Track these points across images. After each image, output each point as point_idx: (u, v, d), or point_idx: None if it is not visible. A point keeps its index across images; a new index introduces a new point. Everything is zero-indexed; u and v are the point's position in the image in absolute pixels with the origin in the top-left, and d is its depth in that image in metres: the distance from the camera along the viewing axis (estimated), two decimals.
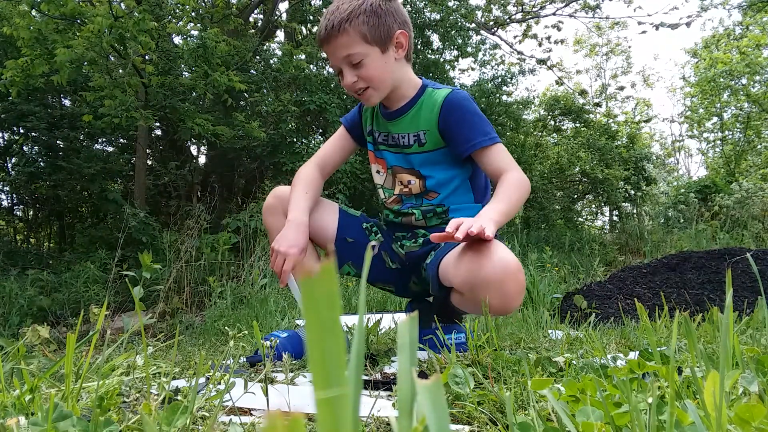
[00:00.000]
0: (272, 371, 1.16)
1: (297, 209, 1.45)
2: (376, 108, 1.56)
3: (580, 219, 10.22)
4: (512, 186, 1.30)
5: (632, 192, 10.08)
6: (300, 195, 1.48)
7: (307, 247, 1.41)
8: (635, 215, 10.32)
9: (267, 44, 7.89)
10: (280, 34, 8.50)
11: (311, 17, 7.42)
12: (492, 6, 9.13)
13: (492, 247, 1.17)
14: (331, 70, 7.62)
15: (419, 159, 1.48)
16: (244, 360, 1.34)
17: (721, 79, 13.08)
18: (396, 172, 1.53)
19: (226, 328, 1.63)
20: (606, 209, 11.05)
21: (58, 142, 7.05)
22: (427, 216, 1.51)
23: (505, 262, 1.13)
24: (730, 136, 14.34)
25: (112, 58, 5.68)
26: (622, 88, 14.94)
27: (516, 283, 1.14)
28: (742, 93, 13.06)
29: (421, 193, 1.50)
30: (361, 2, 1.35)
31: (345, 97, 7.25)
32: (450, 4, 7.81)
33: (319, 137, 7.32)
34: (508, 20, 9.32)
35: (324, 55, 7.46)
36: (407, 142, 1.48)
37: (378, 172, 1.59)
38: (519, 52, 9.54)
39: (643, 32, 13.05)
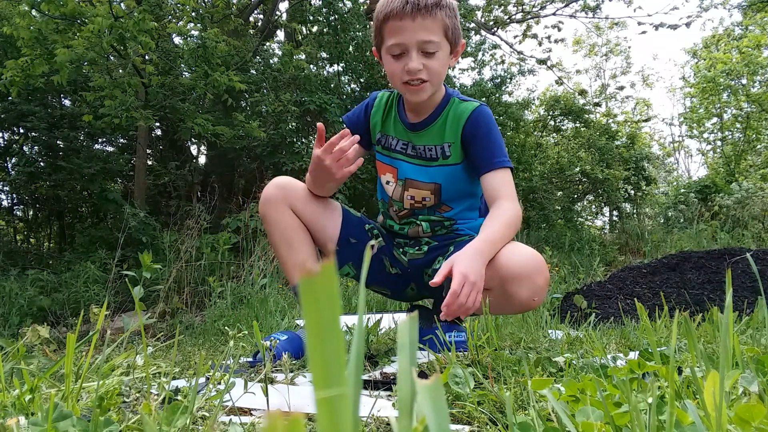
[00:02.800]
0: (272, 371, 1.16)
1: None
2: (393, 113, 1.49)
3: (580, 219, 10.21)
4: (502, 219, 1.29)
5: (632, 192, 10.07)
6: None
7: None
8: (635, 215, 10.32)
9: (267, 44, 7.88)
10: (280, 34, 8.51)
11: (311, 17, 7.42)
12: (492, 6, 9.12)
13: (516, 245, 1.25)
14: (331, 69, 7.62)
15: (443, 172, 1.44)
16: (245, 361, 1.34)
17: (721, 79, 13.07)
18: (409, 186, 1.47)
19: (226, 328, 1.63)
20: (606, 209, 11.04)
21: (58, 142, 7.05)
22: (435, 228, 1.50)
23: (533, 258, 1.22)
24: (730, 136, 14.34)
25: (112, 58, 5.68)
26: (621, 88, 14.90)
27: (544, 277, 1.22)
28: (741, 93, 13.05)
29: (434, 206, 1.48)
30: None
31: (345, 96, 7.24)
32: None
33: None
34: (508, 20, 9.32)
35: (324, 54, 7.50)
36: (434, 154, 1.44)
37: (388, 182, 1.51)
38: (519, 52, 9.54)
39: (643, 32, 13.02)
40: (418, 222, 1.50)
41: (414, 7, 1.26)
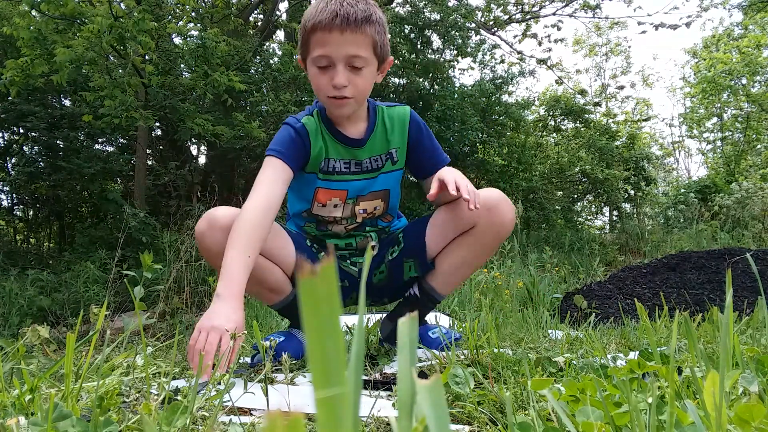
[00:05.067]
0: (272, 371, 1.16)
1: (231, 279, 1.12)
2: (325, 135, 1.38)
3: (580, 219, 10.22)
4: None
5: (632, 192, 10.08)
6: (237, 259, 1.14)
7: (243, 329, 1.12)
8: (635, 215, 10.32)
9: (267, 44, 7.88)
10: (280, 34, 8.51)
11: None
12: (492, 6, 9.13)
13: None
14: None
15: (388, 178, 1.43)
16: (245, 361, 1.34)
17: (721, 80, 13.08)
18: (360, 201, 1.42)
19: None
20: (606, 209, 11.05)
21: (58, 142, 7.05)
22: (381, 236, 1.52)
23: (491, 191, 1.36)
24: (730, 136, 14.34)
25: (112, 58, 5.68)
26: (621, 88, 14.93)
27: (509, 204, 1.36)
28: (741, 93, 13.06)
29: (381, 215, 1.48)
30: (374, 11, 1.25)
31: None
32: (450, 4, 7.81)
33: None
34: (507, 20, 9.32)
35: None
36: (380, 163, 1.41)
37: (335, 206, 1.41)
38: (519, 52, 9.54)
39: (643, 32, 13.04)
40: (367, 234, 1.49)
41: (343, 20, 1.20)
